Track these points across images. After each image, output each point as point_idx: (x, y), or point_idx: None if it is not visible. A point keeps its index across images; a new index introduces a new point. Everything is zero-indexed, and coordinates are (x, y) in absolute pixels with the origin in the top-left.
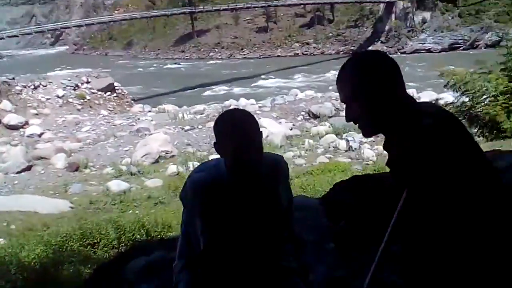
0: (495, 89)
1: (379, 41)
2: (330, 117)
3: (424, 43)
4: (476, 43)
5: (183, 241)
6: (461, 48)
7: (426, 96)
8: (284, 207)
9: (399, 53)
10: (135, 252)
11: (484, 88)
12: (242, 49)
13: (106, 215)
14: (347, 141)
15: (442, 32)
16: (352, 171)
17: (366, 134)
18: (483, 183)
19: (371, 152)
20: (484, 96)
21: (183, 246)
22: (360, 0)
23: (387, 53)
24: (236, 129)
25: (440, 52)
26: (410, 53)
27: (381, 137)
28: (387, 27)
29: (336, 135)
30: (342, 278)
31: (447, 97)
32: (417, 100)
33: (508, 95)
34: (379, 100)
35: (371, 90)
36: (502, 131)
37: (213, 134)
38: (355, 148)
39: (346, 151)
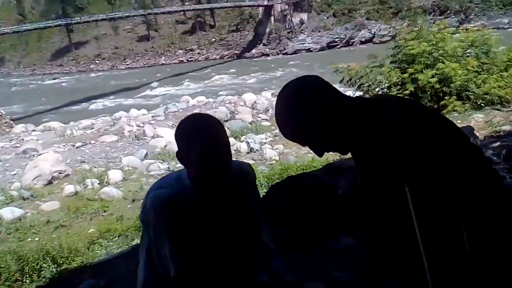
0: (388, 81)
1: (261, 44)
2: (226, 121)
3: (304, 43)
4: (351, 40)
5: (146, 271)
6: (338, 46)
7: None
8: (254, 218)
9: (281, 55)
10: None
11: (378, 81)
12: (124, 59)
13: (2, 245)
14: (247, 143)
15: (319, 32)
16: (257, 171)
17: (342, 154)
18: (470, 159)
19: (273, 152)
20: (378, 89)
21: (147, 277)
22: (239, 5)
23: (270, 55)
24: (201, 134)
25: (319, 51)
26: (292, 53)
27: (280, 136)
28: (267, 30)
29: (235, 138)
30: (294, 282)
31: None
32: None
33: (400, 85)
34: (336, 127)
35: (322, 125)
36: None
37: (107, 148)
38: (257, 149)
39: (248, 153)
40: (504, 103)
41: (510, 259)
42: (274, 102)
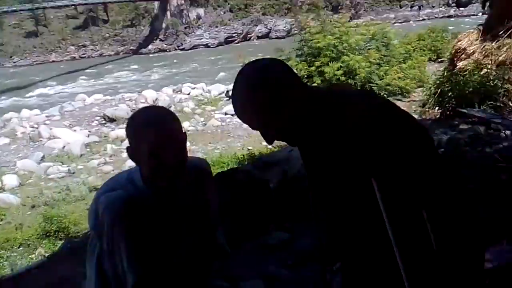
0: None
1: (158, 39)
2: (127, 118)
3: (202, 39)
4: (249, 35)
5: (97, 283)
6: (236, 41)
7: (217, 88)
8: (211, 217)
9: (179, 50)
10: None
11: None
12: (11, 56)
13: None
14: None
15: (217, 27)
16: None
17: (292, 145)
18: (429, 149)
19: None
20: None
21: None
22: None
23: (167, 50)
24: (153, 127)
25: (217, 46)
26: (190, 49)
27: (192, 132)
28: (164, 25)
29: None
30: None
31: None
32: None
33: (307, 78)
34: (299, 113)
35: (285, 108)
36: None
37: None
38: None
39: None
40: (404, 93)
41: (469, 240)
42: (176, 99)
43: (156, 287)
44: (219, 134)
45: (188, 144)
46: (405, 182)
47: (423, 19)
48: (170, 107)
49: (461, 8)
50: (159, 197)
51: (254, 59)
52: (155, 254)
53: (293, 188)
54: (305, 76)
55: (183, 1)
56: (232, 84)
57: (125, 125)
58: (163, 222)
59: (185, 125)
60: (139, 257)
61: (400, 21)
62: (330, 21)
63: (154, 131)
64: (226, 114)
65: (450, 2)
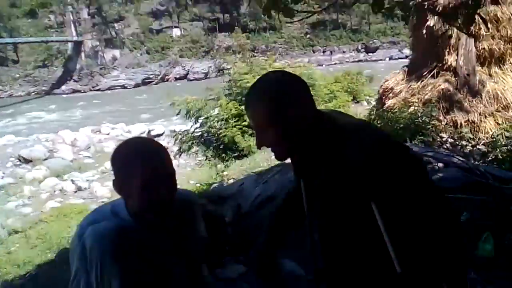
0: (226, 113)
1: (72, 80)
2: (45, 159)
3: (118, 79)
4: (166, 76)
5: None
6: (154, 82)
7: (137, 129)
8: (198, 250)
9: (94, 91)
10: None
11: (216, 113)
12: None
13: None
14: (73, 181)
15: (133, 68)
16: (89, 211)
17: (281, 158)
18: (426, 180)
19: (104, 189)
20: (216, 119)
21: None
22: (45, 40)
23: (82, 91)
24: (144, 160)
25: (134, 87)
26: (106, 90)
27: (108, 173)
28: (78, 66)
29: (57, 177)
30: None
31: (158, 127)
32: None
33: (238, 117)
34: (299, 122)
35: (289, 114)
36: (240, 150)
37: None
38: (85, 188)
39: (75, 192)
40: None
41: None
42: (95, 139)
43: None
44: None
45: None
46: (401, 206)
47: (335, 63)
48: (89, 147)
49: (369, 53)
50: (147, 230)
51: (279, 70)
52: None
53: (247, 222)
54: (236, 114)
55: (98, 43)
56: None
57: (42, 167)
58: (152, 255)
59: (108, 165)
60: None
61: (313, 65)
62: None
63: (147, 164)
64: None
65: (360, 48)
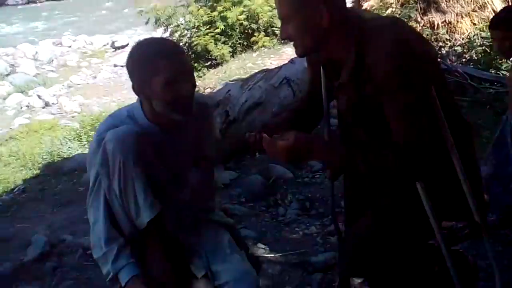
0: (197, 20)
1: None
2: (7, 75)
3: None
4: None
5: (106, 223)
6: None
7: (100, 40)
8: (210, 153)
9: (50, 0)
10: None
11: (187, 20)
12: None
13: None
14: (39, 96)
15: None
16: (60, 126)
17: (301, 54)
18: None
19: (73, 104)
20: (186, 27)
21: (109, 228)
22: None
23: (38, 1)
24: (167, 56)
25: None
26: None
27: (74, 87)
28: None
29: (22, 93)
30: None
31: (122, 38)
32: None
33: (210, 24)
34: (323, 17)
35: (314, 5)
36: (213, 58)
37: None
38: (53, 103)
39: (43, 107)
40: None
41: None
42: (57, 52)
43: (166, 224)
44: (112, 86)
45: (81, 98)
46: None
47: None
48: (52, 61)
49: None
50: (165, 132)
51: None
52: (165, 190)
53: (236, 128)
54: (207, 21)
55: None
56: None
57: (5, 82)
58: (171, 157)
59: (73, 79)
60: (154, 193)
61: None
62: None
63: (170, 59)
64: (115, 65)
65: None
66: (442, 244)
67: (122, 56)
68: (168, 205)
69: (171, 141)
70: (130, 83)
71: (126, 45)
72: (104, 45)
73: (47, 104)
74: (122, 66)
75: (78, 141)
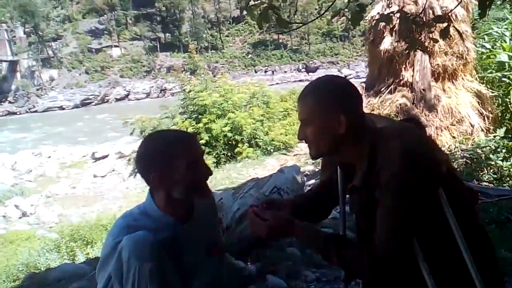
0: None
1: (7, 101)
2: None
3: (56, 101)
4: (106, 97)
5: None
6: (93, 103)
7: (79, 151)
8: (219, 241)
9: (30, 112)
10: None
11: None
12: None
13: None
14: (16, 207)
15: (72, 89)
16: (38, 237)
17: (313, 156)
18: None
19: (51, 214)
20: None
21: None
22: None
23: (18, 113)
24: (186, 141)
25: (73, 108)
26: (43, 111)
27: (53, 198)
28: (13, 87)
29: None
30: None
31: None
32: None
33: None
34: (341, 124)
35: (334, 113)
36: None
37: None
38: (31, 213)
39: (20, 217)
40: (288, 148)
41: None
42: (36, 162)
43: None
44: (92, 196)
45: (60, 208)
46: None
47: (277, 83)
48: (31, 171)
49: (310, 73)
50: (180, 223)
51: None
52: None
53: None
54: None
55: (34, 62)
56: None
57: None
58: (187, 248)
59: (52, 189)
60: None
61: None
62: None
63: (189, 143)
64: (95, 176)
65: (301, 67)
66: None
67: (102, 167)
68: None
69: (187, 231)
70: (110, 193)
71: (107, 156)
72: (84, 156)
73: (24, 214)
74: (102, 177)
75: (57, 252)
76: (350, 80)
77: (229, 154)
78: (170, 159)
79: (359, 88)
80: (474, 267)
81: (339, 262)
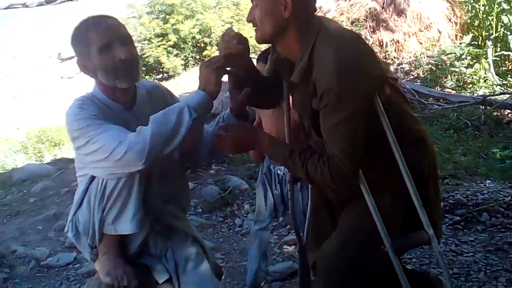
0: (149, 32)
1: None
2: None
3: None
4: None
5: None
6: (58, 1)
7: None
8: None
9: None
10: None
11: (139, 32)
12: None
13: None
14: None
15: None
16: (4, 138)
17: (258, 40)
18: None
19: (17, 115)
20: (138, 39)
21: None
22: None
23: None
24: (98, 23)
25: (38, 5)
26: (5, 8)
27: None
28: None
29: None
30: None
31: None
32: None
33: (162, 36)
34: (290, 7)
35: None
36: (166, 71)
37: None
38: None
39: None
40: (257, 50)
41: None
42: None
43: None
44: (59, 98)
45: (27, 109)
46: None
47: None
48: None
49: None
50: (128, 110)
51: None
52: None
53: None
54: (159, 34)
55: None
56: None
57: None
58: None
59: (18, 90)
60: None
61: None
62: None
63: (100, 29)
64: (62, 77)
65: None
66: (391, 251)
67: (69, 68)
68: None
69: (136, 118)
70: (78, 95)
71: (73, 57)
72: (50, 56)
73: None
74: (69, 78)
75: (24, 153)
76: None
77: (198, 57)
78: (85, 47)
79: None
80: (409, 176)
81: (304, 173)
